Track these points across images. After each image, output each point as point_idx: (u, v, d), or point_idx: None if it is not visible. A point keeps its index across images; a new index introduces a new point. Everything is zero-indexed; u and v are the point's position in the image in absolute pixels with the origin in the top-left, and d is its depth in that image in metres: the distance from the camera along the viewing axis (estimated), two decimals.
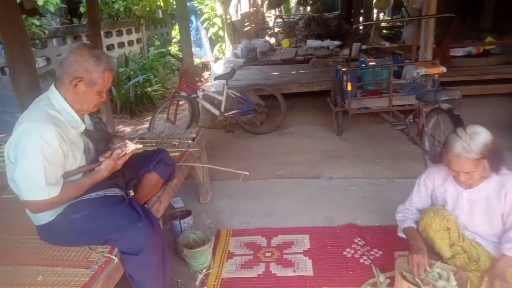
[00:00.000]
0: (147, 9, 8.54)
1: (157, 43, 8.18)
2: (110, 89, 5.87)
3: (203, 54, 9.15)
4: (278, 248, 2.49)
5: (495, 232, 1.99)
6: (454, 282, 1.81)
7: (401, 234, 2.11)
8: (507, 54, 5.31)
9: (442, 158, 1.89)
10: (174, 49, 8.49)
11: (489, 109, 4.87)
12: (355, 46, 6.70)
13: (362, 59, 4.84)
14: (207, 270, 2.33)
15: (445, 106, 2.61)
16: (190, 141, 2.77)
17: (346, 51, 6.90)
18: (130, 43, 8.40)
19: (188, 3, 8.76)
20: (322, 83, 5.29)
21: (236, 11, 9.44)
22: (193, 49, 9.06)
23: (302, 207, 3.00)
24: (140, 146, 2.07)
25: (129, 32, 8.31)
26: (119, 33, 7.92)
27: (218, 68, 6.56)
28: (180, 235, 2.45)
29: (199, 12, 9.34)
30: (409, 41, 6.07)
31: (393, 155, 3.81)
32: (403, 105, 3.97)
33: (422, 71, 2.97)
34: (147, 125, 5.08)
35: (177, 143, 2.75)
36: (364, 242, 2.46)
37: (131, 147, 1.90)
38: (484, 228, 2.00)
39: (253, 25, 10.54)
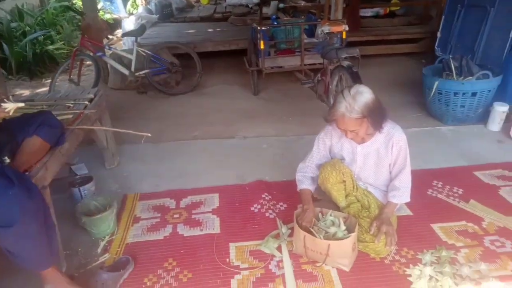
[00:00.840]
0: None
1: None
2: (1, 46, 5.17)
3: (114, 9, 8.42)
4: (186, 209, 2.47)
5: (384, 182, 2.17)
6: (343, 227, 1.94)
7: (299, 190, 2.21)
8: (410, 15, 5.65)
9: (330, 117, 1.96)
10: (80, 2, 7.65)
11: (394, 67, 5.22)
12: (273, 4, 6.64)
13: (273, 17, 4.80)
14: (110, 237, 2.24)
15: (345, 63, 2.70)
16: (87, 103, 2.54)
17: (264, 10, 6.81)
18: None
19: None
20: (239, 41, 5.20)
21: None
22: (102, 3, 8.34)
23: (215, 167, 2.98)
24: (21, 104, 1.85)
25: None
26: None
27: (129, 24, 6.11)
28: (79, 202, 2.30)
29: None
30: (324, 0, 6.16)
31: (304, 113, 3.92)
32: (314, 64, 4.06)
33: (326, 29, 3.03)
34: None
35: (71, 105, 2.51)
36: (270, 197, 2.53)
37: (9, 106, 1.68)
38: (374, 178, 2.17)
39: None
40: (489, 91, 3.25)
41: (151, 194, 2.64)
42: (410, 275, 1.87)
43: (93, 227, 2.19)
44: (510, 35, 3.25)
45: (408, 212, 2.33)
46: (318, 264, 1.94)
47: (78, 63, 4.30)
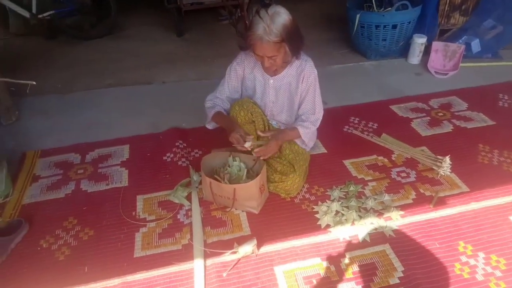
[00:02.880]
0: None
1: None
2: None
3: None
4: (92, 163, 2.28)
5: (295, 119, 2.09)
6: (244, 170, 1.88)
7: (208, 125, 2.08)
8: None
9: (247, 42, 1.79)
10: None
11: (324, 2, 5.04)
12: None
13: None
14: (4, 199, 2.03)
15: None
16: None
17: None
18: None
19: None
20: None
21: None
22: None
23: (128, 116, 2.77)
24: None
25: None
26: None
27: None
28: None
29: None
30: None
31: (230, 54, 3.70)
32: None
33: None
34: None
35: None
36: (185, 144, 2.41)
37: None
38: (288, 115, 2.08)
39: None
40: (409, 22, 3.22)
41: (54, 150, 2.41)
42: (317, 212, 1.88)
43: None
44: None
45: (322, 150, 2.32)
46: (227, 210, 1.89)
47: None
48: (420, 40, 3.21)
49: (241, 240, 1.72)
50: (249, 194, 1.81)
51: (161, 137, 2.49)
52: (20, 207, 1.99)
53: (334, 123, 2.55)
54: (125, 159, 2.31)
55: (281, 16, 1.70)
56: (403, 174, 2.11)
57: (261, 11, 1.72)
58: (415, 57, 3.30)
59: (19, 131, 2.61)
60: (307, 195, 1.99)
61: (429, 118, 2.58)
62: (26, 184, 2.14)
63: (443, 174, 2.06)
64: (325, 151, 2.31)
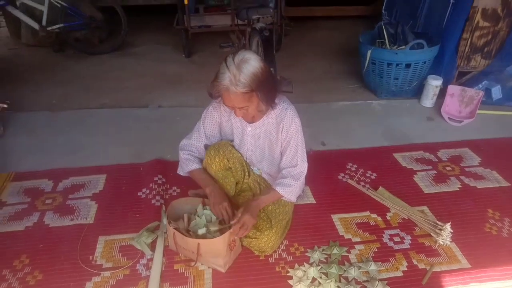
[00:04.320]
0: None
1: None
2: None
3: None
4: (63, 193, 2.14)
5: (278, 168, 1.90)
6: (215, 227, 1.68)
7: (181, 173, 1.91)
8: None
9: (214, 92, 1.62)
10: None
11: (343, 32, 4.86)
12: None
13: None
14: None
15: (258, 25, 2.33)
16: None
17: None
18: None
19: None
20: None
21: None
22: None
23: (114, 141, 2.63)
24: None
25: None
26: None
27: None
28: None
29: None
30: None
31: None
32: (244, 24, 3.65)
33: None
34: None
35: None
36: (165, 180, 2.24)
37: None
38: (269, 163, 1.90)
39: None
40: (424, 62, 2.99)
41: (29, 174, 2.29)
42: (291, 277, 1.66)
43: None
44: (451, 1, 2.94)
45: (311, 199, 2.10)
46: (192, 264, 1.69)
47: None
48: (434, 82, 2.97)
49: None
50: (215, 251, 1.61)
51: (141, 169, 2.34)
52: None
53: (329, 169, 2.34)
54: (97, 191, 2.15)
55: (250, 64, 1.51)
56: (397, 239, 1.86)
57: (228, 59, 1.53)
58: (428, 100, 3.05)
59: (0, 149, 2.52)
60: (284, 254, 1.77)
61: (435, 172, 2.33)
62: None
63: (442, 243, 1.80)
64: (314, 202, 2.09)
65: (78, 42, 4.10)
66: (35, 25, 3.84)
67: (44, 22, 3.86)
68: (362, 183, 2.23)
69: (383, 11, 4.12)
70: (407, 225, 1.94)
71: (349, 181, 2.24)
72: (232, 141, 1.90)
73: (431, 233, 1.86)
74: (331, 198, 2.11)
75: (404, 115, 2.97)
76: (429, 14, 3.36)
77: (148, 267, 1.70)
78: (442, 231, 1.82)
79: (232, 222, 1.62)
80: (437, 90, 3.00)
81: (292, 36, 4.78)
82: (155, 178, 2.23)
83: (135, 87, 3.46)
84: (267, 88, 1.59)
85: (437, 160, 2.44)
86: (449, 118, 2.87)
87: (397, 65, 2.98)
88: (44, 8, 3.84)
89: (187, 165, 1.86)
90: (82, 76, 3.66)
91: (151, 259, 1.73)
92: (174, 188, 2.19)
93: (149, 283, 1.62)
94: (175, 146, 2.50)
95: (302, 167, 1.79)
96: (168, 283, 1.63)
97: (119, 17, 4.08)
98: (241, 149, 1.88)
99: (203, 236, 1.64)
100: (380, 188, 2.16)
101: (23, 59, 4.01)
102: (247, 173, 1.90)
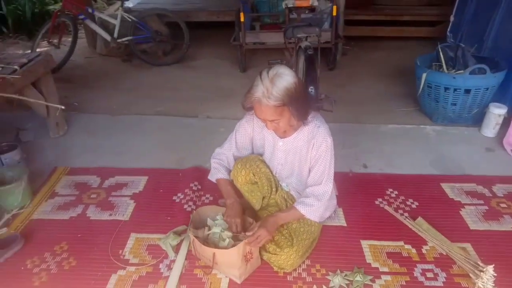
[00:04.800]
0: None
1: None
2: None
3: None
4: (107, 190, 2.30)
5: (305, 186, 1.86)
6: (230, 234, 1.68)
7: (211, 178, 1.95)
8: None
9: (246, 103, 1.66)
10: None
11: (404, 53, 4.68)
12: None
13: None
14: (19, 210, 2.12)
15: (304, 44, 2.34)
16: (16, 67, 2.38)
17: None
18: None
19: None
20: (234, 13, 4.81)
21: None
22: None
23: (160, 146, 2.78)
24: None
25: None
26: None
27: None
28: None
29: None
30: None
31: None
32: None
33: (290, 2, 2.65)
34: (44, 48, 4.51)
35: (0, 68, 2.36)
36: (200, 187, 2.31)
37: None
38: (298, 180, 1.89)
39: None
40: (487, 89, 2.77)
41: (81, 170, 2.49)
42: None
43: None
44: None
45: (342, 222, 2.03)
46: (209, 271, 1.71)
47: (59, 25, 4.16)
48: (497, 111, 2.73)
49: None
50: (229, 262, 1.62)
51: (180, 175, 2.43)
52: (28, 221, 2.05)
53: (367, 193, 2.24)
54: (137, 191, 2.28)
55: (283, 78, 1.55)
56: (430, 274, 1.72)
57: (263, 73, 1.58)
58: (489, 129, 2.81)
59: (61, 146, 2.78)
60: (304, 274, 1.72)
61: (486, 207, 2.12)
62: (43, 199, 2.22)
63: (482, 287, 1.63)
64: (344, 224, 2.01)
65: (144, 53, 4.42)
66: (108, 37, 4.23)
67: (115, 35, 4.23)
68: (401, 211, 2.10)
69: (448, 33, 3.92)
70: (444, 262, 1.78)
71: (386, 207, 2.13)
72: (262, 154, 1.91)
73: (470, 274, 1.69)
74: (363, 223, 2.02)
75: (460, 144, 2.76)
76: (498, 38, 3.12)
77: (169, 267, 1.76)
78: (483, 273, 1.64)
79: (247, 233, 1.62)
80: (500, 119, 2.76)
81: (351, 55, 4.72)
82: (191, 185, 2.31)
83: (189, 98, 3.63)
84: (299, 104, 1.60)
85: (491, 195, 2.22)
86: (511, 150, 2.61)
87: (455, 90, 2.79)
88: (117, 23, 4.22)
89: (215, 173, 1.92)
90: (143, 85, 3.93)
91: (174, 261, 1.79)
92: (208, 195, 2.25)
93: (168, 283, 1.67)
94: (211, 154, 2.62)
95: (327, 186, 1.75)
96: (185, 286, 1.67)
97: (182, 32, 4.35)
98: (271, 163, 1.89)
99: (215, 240, 1.65)
100: (419, 219, 2.02)
101: (95, 67, 4.41)
102: (274, 189, 1.90)
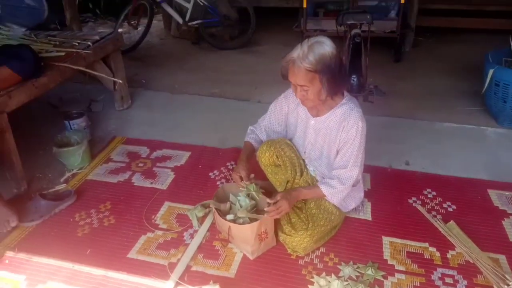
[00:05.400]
0: None
1: None
2: None
3: None
4: (153, 161, 2.51)
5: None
6: (243, 215, 1.75)
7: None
8: None
9: (283, 66, 1.69)
10: None
11: (484, 47, 4.23)
12: None
13: None
14: (78, 170, 2.43)
15: (354, 31, 2.29)
16: (89, 43, 2.69)
17: None
18: None
19: None
20: None
21: None
22: None
23: (208, 126, 2.94)
24: None
25: None
26: None
27: None
28: (59, 134, 2.52)
29: None
30: None
31: None
32: (364, 31, 3.54)
33: None
34: (124, 29, 4.95)
35: (77, 44, 2.69)
36: (234, 166, 2.41)
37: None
38: (325, 162, 1.89)
39: None
40: None
41: (135, 140, 2.75)
42: (313, 283, 1.63)
43: (62, 158, 2.40)
44: None
45: (368, 216, 1.99)
46: (225, 244, 1.82)
47: (138, 7, 4.52)
48: None
49: (219, 280, 1.64)
50: (243, 237, 1.71)
51: (220, 153, 2.57)
52: (84, 180, 2.35)
53: (402, 190, 2.16)
54: (179, 165, 2.47)
55: (322, 47, 1.58)
56: (449, 280, 1.63)
57: (304, 40, 1.63)
58: None
59: (123, 117, 3.08)
60: (316, 260, 1.75)
61: None
62: (99, 162, 2.51)
63: None
64: (369, 218, 1.97)
65: (212, 37, 4.62)
66: (180, 20, 4.49)
67: (187, 18, 4.48)
68: (434, 213, 2.00)
69: None
70: (469, 270, 1.67)
71: (419, 206, 2.03)
72: (294, 135, 1.95)
73: (495, 286, 1.57)
74: (390, 220, 1.96)
75: None
76: None
77: (192, 236, 1.90)
78: (508, 287, 1.52)
79: (268, 201, 1.69)
80: None
81: (424, 48, 4.43)
82: (228, 164, 2.43)
83: (245, 82, 3.74)
84: (332, 75, 1.59)
85: None
86: None
87: None
88: (189, 6, 4.46)
89: (247, 136, 2.03)
90: (206, 67, 4.13)
91: (197, 231, 1.93)
92: None
93: (187, 249, 1.81)
94: None
95: (353, 171, 1.74)
96: (202, 255, 1.80)
97: (249, 17, 4.45)
98: (303, 141, 1.91)
99: (233, 221, 1.74)
100: (451, 222, 1.90)
101: (167, 48, 4.73)
102: (298, 173, 1.92)
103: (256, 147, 1.98)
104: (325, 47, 1.58)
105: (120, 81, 2.43)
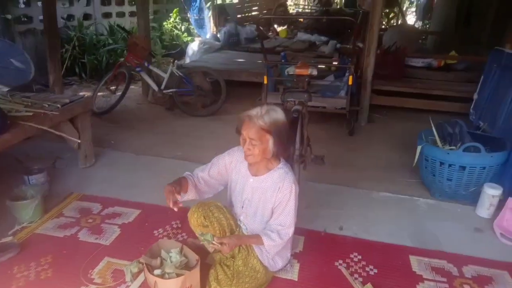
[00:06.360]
0: None
1: (151, 17, 8.33)
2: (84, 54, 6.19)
3: (203, 33, 9.27)
4: (103, 217, 2.64)
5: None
6: (171, 270, 1.87)
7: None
8: (470, 72, 4.99)
9: (238, 118, 1.93)
10: (168, 25, 8.67)
11: (428, 125, 4.64)
12: (331, 43, 6.56)
13: (283, 53, 4.78)
14: (28, 223, 2.53)
15: (294, 107, 2.59)
16: (58, 106, 2.94)
17: (323, 48, 6.76)
18: (133, 14, 8.62)
19: None
20: None
21: None
22: (195, 27, 9.27)
23: (164, 185, 3.09)
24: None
25: (131, 3, 8.53)
26: (120, 2, 8.18)
27: (193, 48, 6.70)
28: (16, 188, 2.65)
29: None
30: None
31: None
32: (317, 107, 3.92)
33: (291, 70, 2.94)
34: (103, 93, 5.29)
35: (47, 105, 2.94)
36: (180, 225, 2.55)
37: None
38: (259, 220, 2.04)
39: (264, 11, 10.49)
40: (483, 168, 2.72)
41: (91, 197, 2.89)
42: None
43: (14, 212, 2.51)
44: None
45: (294, 277, 2.11)
46: None
47: (118, 74, 4.90)
48: (491, 191, 2.66)
49: None
50: None
51: (168, 212, 2.67)
52: (32, 234, 2.44)
53: (330, 252, 2.31)
54: (127, 222, 2.59)
55: (276, 113, 1.88)
56: None
57: (263, 105, 1.92)
58: (484, 210, 2.71)
59: (85, 175, 3.24)
60: None
61: (447, 286, 2.07)
62: (51, 217, 2.62)
63: None
64: (296, 279, 2.09)
65: (186, 104, 4.96)
66: (155, 88, 4.86)
67: (162, 86, 4.85)
68: (356, 275, 2.13)
69: (471, 110, 3.88)
70: None
71: (343, 269, 2.17)
72: (234, 190, 2.12)
73: None
74: (314, 280, 2.09)
75: (449, 221, 2.69)
76: (509, 119, 3.07)
77: None
78: None
79: (215, 238, 1.86)
80: (494, 200, 2.66)
81: (379, 123, 4.81)
82: (173, 222, 2.57)
83: (209, 146, 3.96)
84: (279, 139, 1.86)
85: (457, 275, 2.15)
86: (501, 234, 2.49)
87: (449, 165, 2.78)
88: (166, 76, 4.85)
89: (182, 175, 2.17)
90: (174, 131, 4.40)
91: (129, 286, 2.01)
92: (184, 234, 2.48)
93: None
94: (211, 198, 2.86)
95: (290, 229, 1.93)
96: None
97: (228, 88, 4.85)
98: (242, 196, 2.07)
99: (160, 277, 1.85)
100: (368, 284, 2.03)
101: (141, 112, 5.04)
102: (228, 233, 2.07)
103: (190, 183, 2.12)
104: (279, 114, 1.88)
105: (79, 141, 2.64)
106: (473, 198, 2.86)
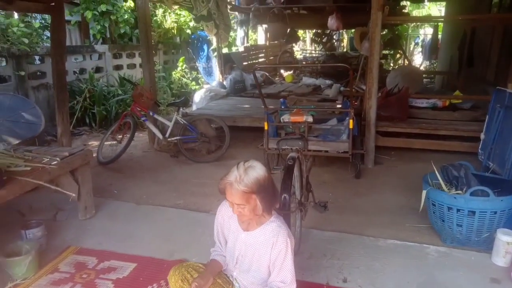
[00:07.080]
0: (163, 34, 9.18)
1: (158, 67, 8.64)
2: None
3: (212, 81, 9.52)
4: (98, 272, 2.56)
5: (262, 286, 1.92)
6: None
7: None
8: (477, 110, 4.92)
9: (220, 187, 1.87)
10: (176, 74, 8.94)
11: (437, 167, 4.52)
12: (335, 86, 6.63)
13: (282, 100, 4.82)
14: (22, 280, 2.46)
15: (289, 154, 2.54)
16: (58, 159, 2.96)
17: (327, 91, 6.83)
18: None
19: (202, 32, 9.30)
20: None
21: (242, 43, 9.81)
22: (202, 75, 9.55)
23: (162, 236, 3.03)
24: None
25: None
26: (130, 55, 8.55)
27: (198, 96, 6.85)
28: (11, 243, 2.61)
29: (211, 41, 9.78)
30: None
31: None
32: (320, 151, 3.87)
33: (286, 118, 2.93)
34: (110, 142, 5.37)
35: (47, 159, 2.96)
36: None
37: None
38: (252, 276, 1.94)
39: (271, 58, 10.80)
40: (494, 212, 2.58)
41: (87, 250, 2.83)
42: None
43: (7, 268, 2.46)
44: None
45: None
46: None
47: (124, 124, 5.00)
48: (505, 238, 2.50)
49: None
50: None
51: (165, 266, 2.61)
52: None
53: None
54: (121, 277, 2.50)
55: (255, 171, 1.78)
56: None
57: (240, 163, 1.85)
58: (499, 257, 2.54)
59: (84, 227, 3.19)
60: None
61: None
62: (45, 273, 2.55)
63: None
64: None
65: (190, 151, 4.98)
66: (160, 136, 4.92)
67: (167, 134, 4.91)
68: None
69: (479, 150, 3.78)
70: None
71: None
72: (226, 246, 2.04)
73: None
74: None
75: (462, 269, 2.52)
76: None
77: None
78: None
79: None
80: (510, 248, 2.50)
81: (387, 165, 4.70)
82: (168, 277, 2.46)
83: (211, 193, 3.92)
84: (266, 194, 1.78)
85: None
86: None
87: (458, 210, 2.65)
88: (171, 124, 4.92)
89: (211, 255, 2.11)
90: (177, 179, 4.38)
91: None
92: None
93: None
94: (202, 250, 2.78)
95: (292, 286, 1.82)
96: None
97: (233, 134, 4.87)
98: (234, 252, 1.98)
99: None
100: None
101: (147, 160, 5.07)
102: None
103: (222, 262, 2.06)
104: (258, 170, 1.79)
105: (73, 195, 2.63)
106: (488, 245, 2.70)
